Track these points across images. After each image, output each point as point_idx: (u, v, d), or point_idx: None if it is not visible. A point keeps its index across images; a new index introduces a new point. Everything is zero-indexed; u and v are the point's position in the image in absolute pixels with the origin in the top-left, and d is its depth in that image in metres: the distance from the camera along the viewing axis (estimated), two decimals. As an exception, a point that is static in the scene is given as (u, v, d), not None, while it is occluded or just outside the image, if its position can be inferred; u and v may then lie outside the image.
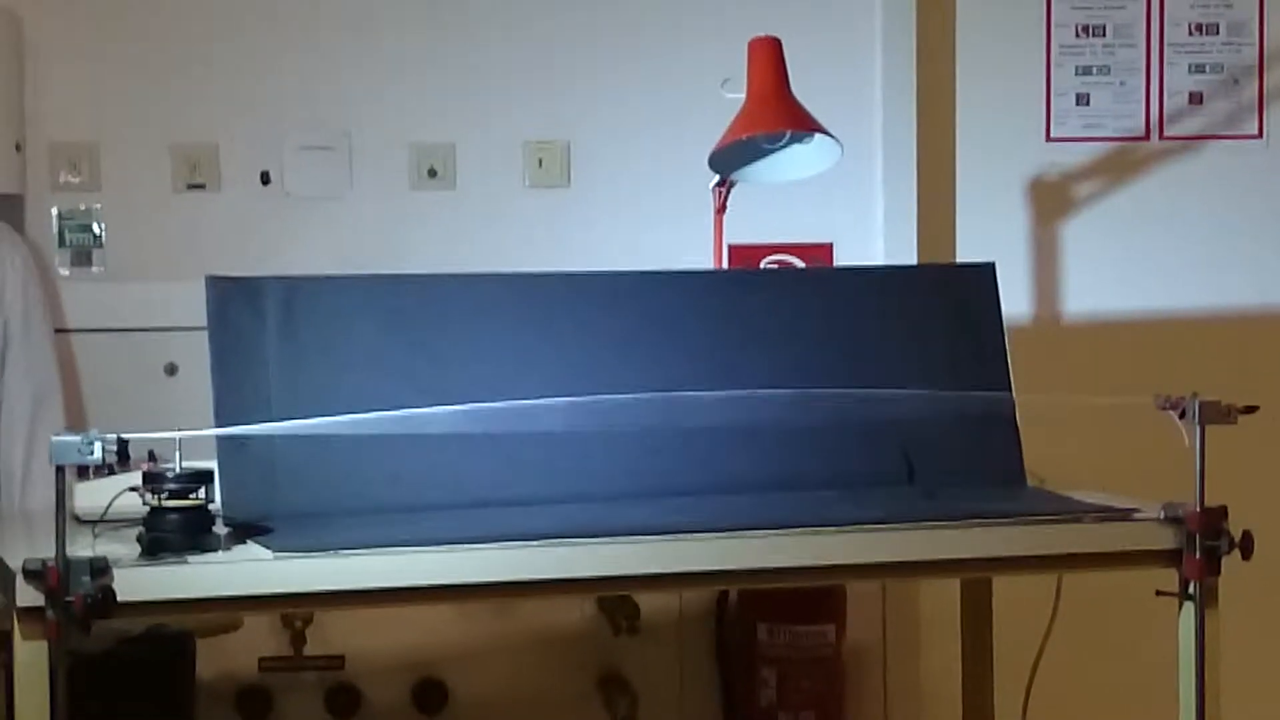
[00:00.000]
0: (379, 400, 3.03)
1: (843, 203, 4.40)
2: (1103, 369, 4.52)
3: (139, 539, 2.70)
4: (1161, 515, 2.96)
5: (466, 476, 3.06)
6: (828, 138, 3.74)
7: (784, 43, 3.77)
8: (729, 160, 3.80)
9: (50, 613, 2.49)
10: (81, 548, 2.61)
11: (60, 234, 4.19)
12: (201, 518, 2.72)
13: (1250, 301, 4.65)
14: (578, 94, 4.35)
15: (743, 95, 3.76)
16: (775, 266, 4.34)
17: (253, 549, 2.74)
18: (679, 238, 4.18)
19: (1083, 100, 4.61)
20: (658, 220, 4.32)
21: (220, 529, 2.78)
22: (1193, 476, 2.91)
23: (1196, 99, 4.65)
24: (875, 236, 4.44)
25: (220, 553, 2.71)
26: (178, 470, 2.71)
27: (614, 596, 4.06)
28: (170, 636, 3.61)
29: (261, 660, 4.07)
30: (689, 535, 2.83)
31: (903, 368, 3.35)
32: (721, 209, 3.85)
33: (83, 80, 4.20)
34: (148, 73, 4.21)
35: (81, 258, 4.20)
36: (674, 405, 3.13)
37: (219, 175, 4.24)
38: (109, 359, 4.13)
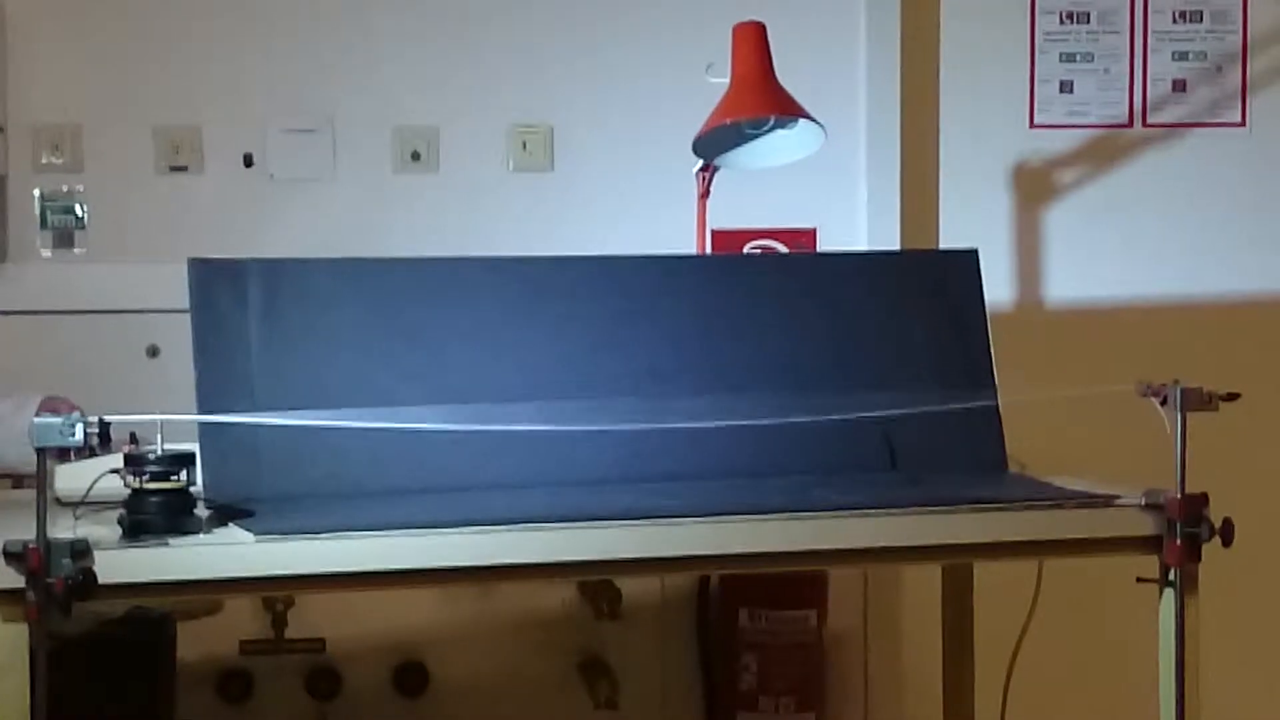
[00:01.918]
0: (362, 383, 3.03)
1: (826, 188, 4.40)
2: (1085, 355, 4.53)
3: (120, 521, 2.69)
4: (1142, 502, 2.96)
5: (449, 460, 3.06)
6: (812, 123, 3.74)
7: (768, 28, 3.76)
8: (713, 145, 3.80)
9: (31, 594, 2.48)
10: (62, 530, 2.60)
11: (42, 215, 4.18)
12: (183, 500, 2.72)
13: (1233, 288, 4.66)
14: (562, 78, 4.35)
15: (727, 80, 3.76)
16: (758, 251, 4.34)
17: (234, 532, 2.73)
18: (662, 222, 4.18)
19: (1066, 87, 4.61)
20: (641, 205, 4.32)
21: (202, 511, 2.78)
22: (1174, 463, 2.91)
23: (1180, 86, 4.65)
24: (859, 222, 4.44)
25: (201, 535, 2.70)
26: (159, 453, 2.71)
27: (596, 581, 4.07)
28: (151, 619, 3.61)
29: (242, 643, 4.07)
30: (671, 520, 2.83)
31: (885, 353, 3.36)
32: (705, 194, 3.85)
33: (65, 61, 4.19)
34: (131, 54, 4.20)
35: (63, 239, 4.19)
36: (657, 394, 3.14)
37: (202, 157, 4.23)
38: (91, 341, 4.13)
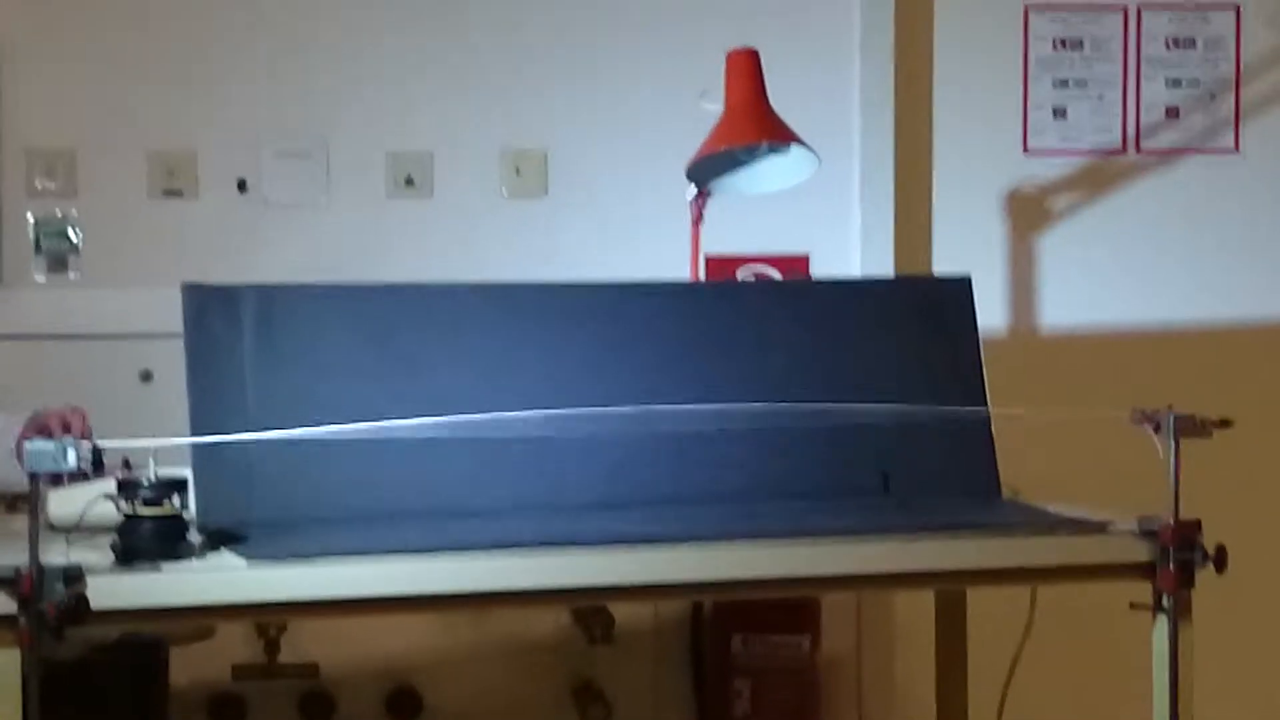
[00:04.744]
0: (355, 409, 3.02)
1: (820, 214, 4.41)
2: (1078, 382, 4.53)
3: (113, 547, 2.69)
4: (1136, 528, 2.96)
5: (443, 485, 3.06)
6: (805, 149, 3.75)
7: (762, 54, 3.77)
8: (706, 171, 3.80)
9: (23, 620, 2.48)
10: (55, 555, 2.60)
11: (36, 240, 4.18)
12: (176, 526, 2.71)
13: (1226, 315, 4.66)
14: (556, 104, 4.35)
15: (721, 106, 3.76)
16: (752, 278, 4.34)
17: (227, 557, 2.73)
18: (656, 249, 4.19)
19: (1060, 113, 4.62)
20: (635, 231, 4.32)
21: (194, 537, 2.78)
22: (1167, 490, 2.91)
23: (1173, 113, 4.66)
24: (852, 248, 4.44)
25: (194, 561, 2.70)
26: (152, 478, 2.70)
27: (589, 606, 4.06)
28: (143, 644, 3.60)
29: (235, 668, 4.06)
30: (664, 545, 2.82)
31: (879, 379, 3.36)
32: (698, 220, 3.85)
33: (60, 86, 4.19)
34: (125, 79, 4.21)
35: (57, 264, 4.19)
36: (649, 418, 3.13)
37: (196, 182, 4.24)
38: (84, 365, 4.12)
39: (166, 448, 2.75)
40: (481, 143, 4.32)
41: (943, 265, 4.51)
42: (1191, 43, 4.66)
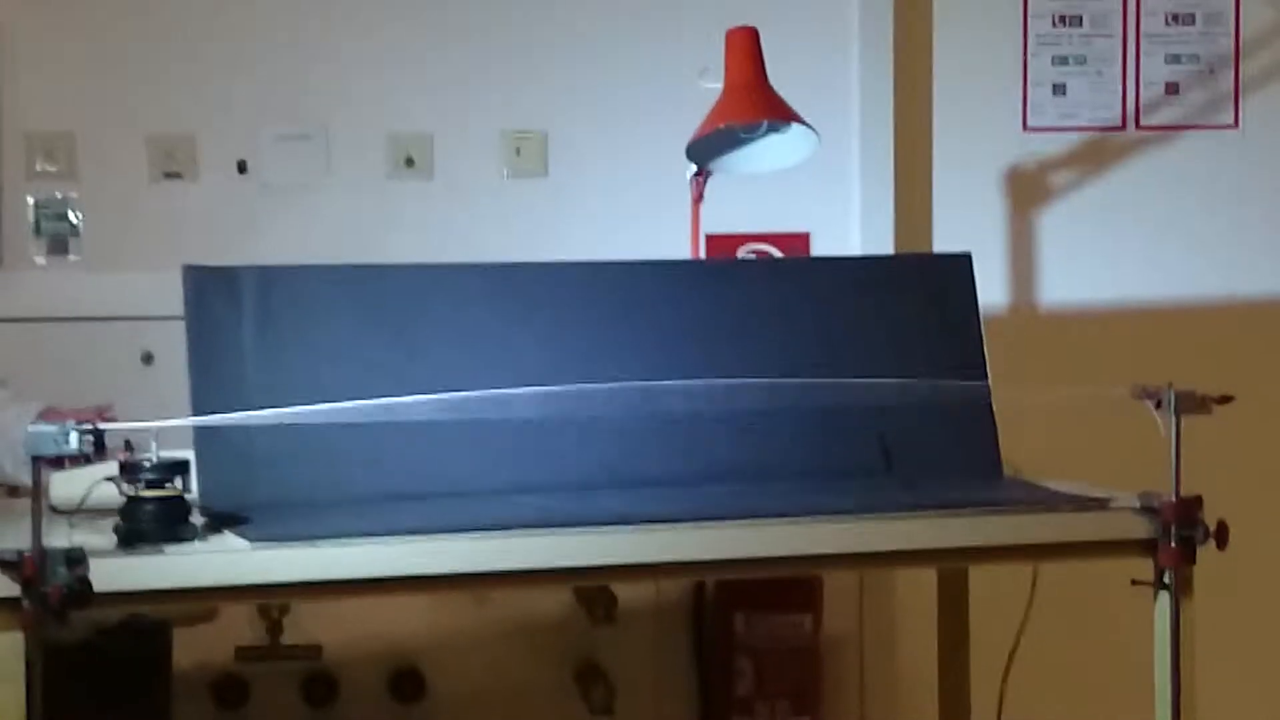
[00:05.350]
0: (356, 390, 3.02)
1: (820, 192, 4.40)
2: (1079, 359, 4.53)
3: (115, 529, 2.69)
4: (1137, 505, 2.97)
5: (444, 466, 3.06)
6: (805, 127, 3.74)
7: (761, 33, 3.77)
8: (706, 150, 3.80)
9: (26, 603, 2.48)
10: (57, 538, 2.60)
11: (36, 223, 4.18)
12: (178, 508, 2.72)
13: (1226, 291, 4.66)
14: (556, 84, 4.35)
15: (720, 85, 3.76)
16: (752, 256, 4.34)
17: (229, 539, 2.73)
18: (657, 227, 4.18)
19: (1059, 90, 4.61)
20: (635, 210, 4.32)
21: (197, 519, 2.78)
22: (1168, 466, 2.91)
23: (1173, 89, 4.66)
24: (852, 226, 4.44)
25: (197, 543, 2.70)
26: (154, 460, 2.70)
27: (591, 586, 4.06)
28: (147, 626, 3.60)
29: (238, 649, 4.06)
30: (666, 525, 2.83)
31: (880, 357, 3.36)
32: (699, 199, 3.85)
33: (60, 69, 4.18)
34: (125, 62, 4.20)
35: (58, 247, 4.19)
36: (650, 394, 3.13)
37: (196, 164, 4.23)
38: (85, 348, 4.12)
39: (169, 430, 2.75)
40: (481, 123, 4.32)
41: (943, 243, 4.51)
42: (1191, 18, 4.65)
